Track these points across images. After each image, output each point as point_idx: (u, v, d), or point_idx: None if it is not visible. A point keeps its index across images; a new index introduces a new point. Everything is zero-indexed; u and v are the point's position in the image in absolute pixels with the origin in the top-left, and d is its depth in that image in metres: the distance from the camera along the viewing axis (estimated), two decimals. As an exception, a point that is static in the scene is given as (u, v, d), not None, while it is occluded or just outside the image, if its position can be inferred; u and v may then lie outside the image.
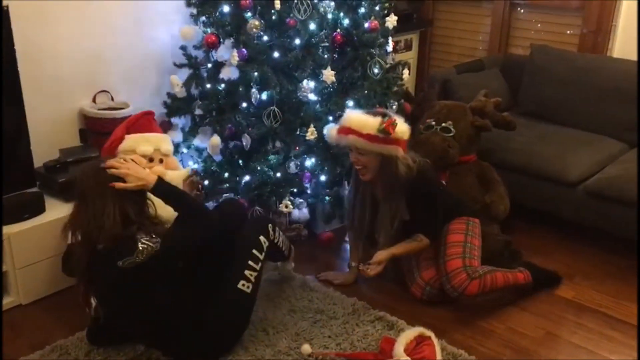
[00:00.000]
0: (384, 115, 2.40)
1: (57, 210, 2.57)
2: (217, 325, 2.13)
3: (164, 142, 2.51)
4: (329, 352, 2.22)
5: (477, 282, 2.45)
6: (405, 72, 3.25)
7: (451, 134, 3.04)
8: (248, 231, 2.32)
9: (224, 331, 2.17)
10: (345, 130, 2.43)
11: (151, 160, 2.45)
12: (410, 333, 2.22)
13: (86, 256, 2.03)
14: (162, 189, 2.09)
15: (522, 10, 4.15)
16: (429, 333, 2.23)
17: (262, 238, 2.28)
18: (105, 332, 2.23)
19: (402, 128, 2.41)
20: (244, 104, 2.90)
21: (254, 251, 2.24)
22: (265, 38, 2.83)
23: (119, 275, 1.99)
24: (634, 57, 3.43)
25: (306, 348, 2.21)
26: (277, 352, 2.21)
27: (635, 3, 3.52)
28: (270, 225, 2.36)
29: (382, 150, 2.40)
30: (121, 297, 2.09)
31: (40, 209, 2.55)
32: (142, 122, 2.53)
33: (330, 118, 2.89)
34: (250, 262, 2.20)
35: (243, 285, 2.16)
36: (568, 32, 3.92)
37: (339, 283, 2.70)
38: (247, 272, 2.18)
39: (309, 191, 3.00)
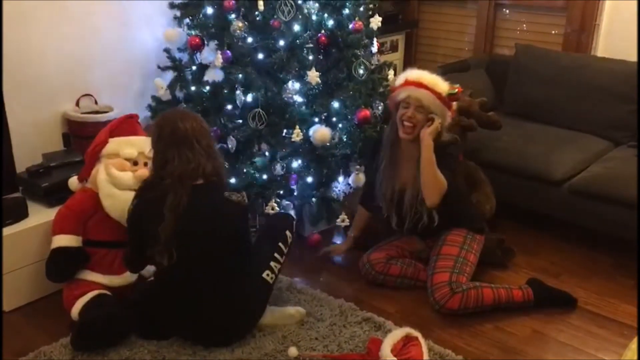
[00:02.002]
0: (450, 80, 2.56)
1: (41, 215, 2.54)
2: (240, 309, 2.21)
3: (148, 145, 2.48)
4: (316, 354, 2.21)
5: (458, 297, 2.43)
6: (391, 72, 3.25)
7: (437, 134, 3.04)
8: (275, 225, 2.44)
9: (243, 316, 2.25)
10: (416, 84, 2.51)
11: (135, 163, 2.43)
12: (397, 333, 2.22)
13: (186, 195, 2.09)
14: None
15: (507, 11, 4.17)
16: (416, 333, 2.23)
17: (287, 233, 2.38)
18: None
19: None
20: (229, 107, 2.89)
21: (280, 244, 2.33)
22: (250, 40, 2.82)
23: (218, 207, 2.16)
24: (618, 56, 3.45)
25: (293, 351, 2.20)
26: (264, 355, 2.20)
27: (618, 3, 3.54)
28: (294, 222, 2.47)
29: (442, 111, 2.52)
30: (196, 240, 2.13)
31: (23, 214, 2.52)
32: (126, 126, 2.51)
33: (316, 119, 2.88)
34: (276, 255, 2.30)
35: (267, 275, 2.26)
36: (553, 32, 3.94)
37: (333, 249, 2.93)
38: (272, 264, 2.29)
39: (295, 193, 2.99)
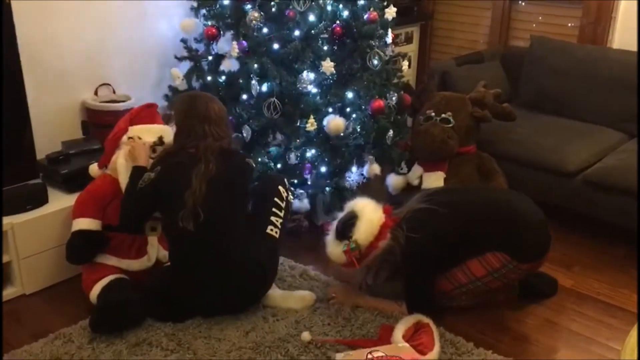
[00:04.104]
0: (344, 231, 2.32)
1: (60, 202, 2.60)
2: (257, 267, 2.30)
3: (167, 133, 2.53)
4: (329, 339, 2.24)
5: (442, 301, 2.41)
6: (405, 63, 3.27)
7: (450, 125, 3.06)
8: (267, 184, 2.54)
9: (262, 274, 2.34)
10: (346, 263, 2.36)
11: (154, 151, 2.48)
12: (409, 320, 2.25)
13: (214, 164, 2.27)
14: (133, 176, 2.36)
15: (522, 3, 4.16)
16: (427, 320, 2.26)
17: (280, 188, 2.47)
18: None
19: (366, 231, 2.28)
20: (244, 96, 2.93)
21: (276, 199, 2.42)
22: (265, 30, 2.85)
23: (235, 168, 2.37)
24: (634, 48, 3.43)
25: (306, 335, 2.23)
26: (277, 339, 2.24)
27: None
28: (285, 179, 2.55)
29: (367, 263, 2.37)
30: (218, 204, 2.28)
31: (43, 200, 2.58)
32: (145, 114, 2.55)
33: (330, 110, 2.91)
34: (274, 210, 2.40)
35: (271, 230, 2.36)
36: (569, 24, 3.92)
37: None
38: (273, 219, 2.38)
39: (309, 182, 3.02)
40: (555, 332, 2.39)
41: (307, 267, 2.75)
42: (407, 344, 2.10)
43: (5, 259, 2.46)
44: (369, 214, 2.33)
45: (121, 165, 2.41)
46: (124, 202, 2.33)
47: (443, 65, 3.80)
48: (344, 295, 2.49)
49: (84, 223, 2.40)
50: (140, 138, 2.46)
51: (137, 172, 2.36)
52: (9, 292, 2.51)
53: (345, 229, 2.33)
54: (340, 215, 2.43)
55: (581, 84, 3.48)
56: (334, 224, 2.41)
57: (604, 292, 2.63)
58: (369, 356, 2.02)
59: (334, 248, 2.36)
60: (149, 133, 2.48)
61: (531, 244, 2.31)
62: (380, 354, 2.03)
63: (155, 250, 2.51)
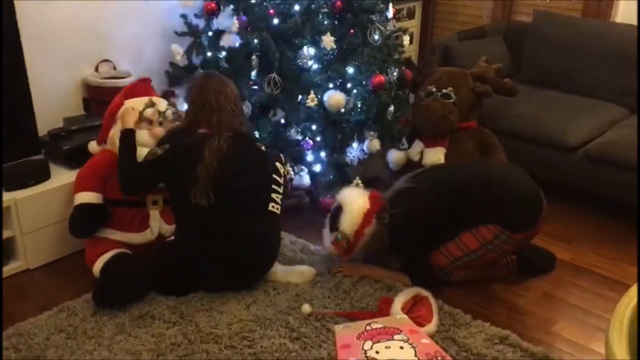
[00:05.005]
0: (333, 223, 2.44)
1: (62, 177, 2.62)
2: (262, 244, 2.36)
3: (162, 106, 2.53)
4: (329, 311, 2.27)
5: (439, 275, 2.44)
6: (406, 38, 3.25)
7: (452, 100, 3.05)
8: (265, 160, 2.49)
9: (267, 250, 2.40)
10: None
11: (150, 122, 2.48)
12: (408, 293, 2.28)
13: (226, 142, 2.28)
14: (123, 139, 2.37)
15: (526, -23, 4.12)
16: (425, 293, 2.29)
17: (277, 164, 2.46)
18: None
19: (352, 221, 2.38)
20: (245, 72, 2.92)
21: (274, 176, 2.41)
22: (265, 5, 2.83)
23: (249, 153, 2.39)
24: (637, 23, 3.40)
25: (306, 308, 2.26)
26: (278, 312, 2.27)
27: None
28: (281, 155, 2.53)
29: (356, 251, 2.46)
30: (230, 183, 2.29)
31: (46, 176, 2.60)
32: (140, 89, 2.56)
33: (331, 85, 2.90)
34: (273, 186, 2.40)
35: (272, 207, 2.37)
36: (573, -1, 3.89)
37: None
38: (273, 195, 2.39)
39: (310, 158, 3.03)
40: (553, 305, 2.41)
41: (308, 242, 2.77)
42: (405, 316, 2.13)
43: (9, 234, 2.49)
44: (352, 204, 2.42)
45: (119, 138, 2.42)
46: (119, 166, 2.34)
47: (445, 40, 3.78)
48: (350, 268, 2.52)
49: (86, 197, 2.42)
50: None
51: (124, 137, 2.37)
52: (13, 267, 2.54)
53: (333, 221, 2.43)
54: (332, 207, 2.52)
55: (584, 59, 3.46)
56: (328, 217, 2.51)
57: (603, 266, 2.65)
58: (368, 327, 2.05)
59: (327, 240, 2.50)
60: (142, 106, 2.48)
61: (521, 213, 2.33)
62: (379, 325, 2.06)
63: (158, 224, 2.53)
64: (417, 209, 2.39)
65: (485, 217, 2.31)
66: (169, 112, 2.52)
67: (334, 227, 2.44)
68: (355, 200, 2.43)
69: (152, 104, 2.49)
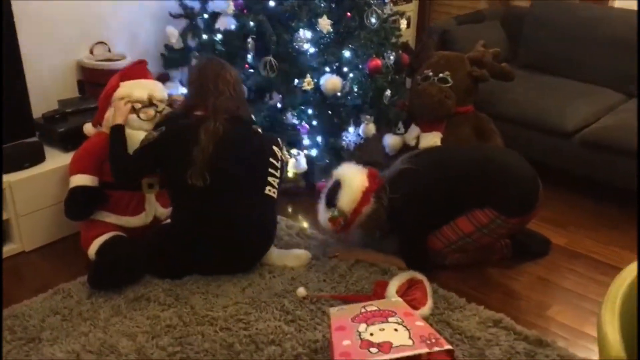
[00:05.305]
0: (330, 200, 2.38)
1: (57, 160, 2.61)
2: (259, 228, 2.35)
3: (158, 88, 2.52)
4: (324, 294, 2.28)
5: (434, 259, 2.45)
6: (404, 22, 3.23)
7: (448, 85, 3.04)
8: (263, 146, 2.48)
9: (263, 234, 2.39)
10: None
11: (146, 106, 2.47)
12: (403, 276, 2.28)
13: (222, 124, 2.27)
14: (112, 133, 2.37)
15: (524, -39, 4.09)
16: (420, 277, 2.29)
17: (275, 147, 2.44)
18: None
19: (349, 199, 2.34)
20: (241, 55, 2.90)
21: (271, 159, 2.40)
22: (261, -14, 2.81)
23: (246, 137, 2.38)
24: (636, 7, 3.38)
25: (301, 291, 2.27)
26: (274, 294, 2.27)
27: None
28: (278, 139, 2.51)
29: (354, 227, 2.42)
30: (226, 166, 2.28)
31: (40, 158, 2.59)
32: (136, 71, 2.55)
33: (327, 69, 2.89)
34: (270, 170, 2.39)
35: (269, 190, 2.37)
36: (571, -18, 3.86)
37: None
38: (270, 179, 2.38)
39: (306, 142, 3.02)
40: (547, 289, 2.42)
41: (304, 226, 2.77)
42: (400, 299, 2.13)
43: (4, 216, 2.48)
44: (351, 181, 2.37)
45: None
46: (110, 159, 2.34)
47: (443, 24, 3.76)
48: (346, 252, 2.53)
49: (81, 179, 2.41)
50: (130, 96, 2.44)
51: (114, 131, 2.37)
52: (8, 249, 2.54)
53: (331, 197, 2.40)
54: (329, 182, 2.47)
55: (582, 44, 3.45)
56: (324, 191, 2.46)
57: (597, 251, 2.65)
58: (363, 310, 2.05)
59: (322, 215, 2.43)
60: (139, 88, 2.47)
61: (517, 197, 2.32)
62: (373, 308, 2.06)
63: (153, 207, 2.53)
64: (415, 192, 2.38)
65: (482, 200, 2.31)
66: (166, 110, 2.52)
67: (331, 203, 2.39)
68: (354, 177, 2.38)
69: (150, 104, 2.47)
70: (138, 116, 2.43)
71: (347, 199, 2.35)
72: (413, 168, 2.42)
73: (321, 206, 2.46)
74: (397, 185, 2.39)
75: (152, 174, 2.44)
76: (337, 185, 2.39)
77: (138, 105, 2.44)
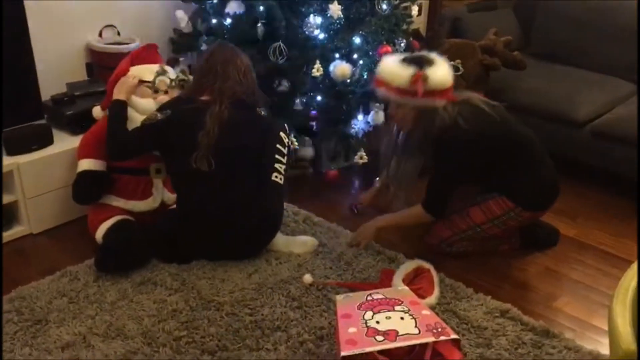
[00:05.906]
0: (420, 62, 2.18)
1: (65, 143, 2.61)
2: (265, 213, 2.34)
3: (169, 71, 2.51)
4: (330, 281, 2.27)
5: (442, 248, 2.44)
6: (415, 9, 3.20)
7: (459, 73, 3.00)
8: (269, 130, 2.45)
9: (269, 219, 2.38)
10: (378, 82, 2.28)
11: (156, 91, 2.46)
12: (409, 265, 2.27)
13: (227, 108, 2.27)
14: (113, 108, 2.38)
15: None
16: (427, 266, 2.28)
17: (281, 134, 2.41)
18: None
19: (439, 78, 2.16)
20: (250, 40, 2.87)
21: (278, 146, 2.37)
22: (271, -29, 2.77)
23: (252, 121, 2.37)
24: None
25: (307, 278, 2.26)
26: (280, 281, 2.27)
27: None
28: (285, 125, 2.48)
29: (416, 104, 2.21)
30: (231, 150, 2.28)
31: (49, 141, 2.59)
32: (146, 55, 2.53)
33: (337, 55, 2.86)
34: (277, 156, 2.36)
35: (276, 177, 2.34)
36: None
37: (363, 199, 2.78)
38: (276, 165, 2.35)
39: (314, 129, 3.00)
40: (555, 280, 2.40)
41: (311, 213, 2.76)
42: (406, 288, 2.12)
43: (11, 198, 2.49)
44: (447, 69, 2.23)
45: None
46: (107, 131, 2.33)
47: (455, 11, 3.71)
48: (362, 232, 2.48)
49: (89, 164, 2.42)
50: (141, 78, 2.44)
51: (115, 105, 2.37)
52: (16, 231, 2.54)
53: (422, 60, 2.21)
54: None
55: (595, 33, 3.40)
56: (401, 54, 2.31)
57: (606, 242, 2.63)
58: (369, 298, 2.04)
59: (397, 68, 2.20)
60: (149, 73, 2.46)
61: (540, 194, 2.33)
62: (379, 296, 2.05)
63: (160, 192, 2.53)
64: (478, 135, 2.22)
65: (508, 181, 2.30)
66: (181, 77, 2.51)
67: (420, 65, 2.17)
68: (448, 70, 2.23)
69: (163, 72, 2.46)
70: (154, 91, 2.44)
71: (440, 76, 2.17)
72: (490, 113, 2.28)
73: (395, 58, 2.26)
74: (468, 117, 2.22)
75: (148, 154, 2.42)
76: (429, 59, 2.23)
77: (160, 80, 2.44)
